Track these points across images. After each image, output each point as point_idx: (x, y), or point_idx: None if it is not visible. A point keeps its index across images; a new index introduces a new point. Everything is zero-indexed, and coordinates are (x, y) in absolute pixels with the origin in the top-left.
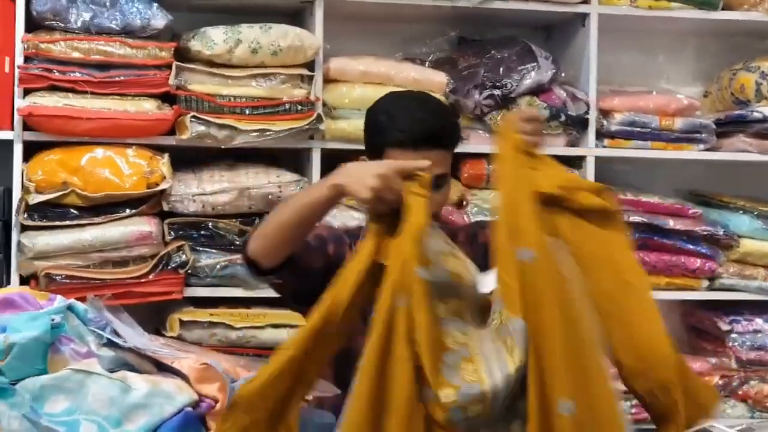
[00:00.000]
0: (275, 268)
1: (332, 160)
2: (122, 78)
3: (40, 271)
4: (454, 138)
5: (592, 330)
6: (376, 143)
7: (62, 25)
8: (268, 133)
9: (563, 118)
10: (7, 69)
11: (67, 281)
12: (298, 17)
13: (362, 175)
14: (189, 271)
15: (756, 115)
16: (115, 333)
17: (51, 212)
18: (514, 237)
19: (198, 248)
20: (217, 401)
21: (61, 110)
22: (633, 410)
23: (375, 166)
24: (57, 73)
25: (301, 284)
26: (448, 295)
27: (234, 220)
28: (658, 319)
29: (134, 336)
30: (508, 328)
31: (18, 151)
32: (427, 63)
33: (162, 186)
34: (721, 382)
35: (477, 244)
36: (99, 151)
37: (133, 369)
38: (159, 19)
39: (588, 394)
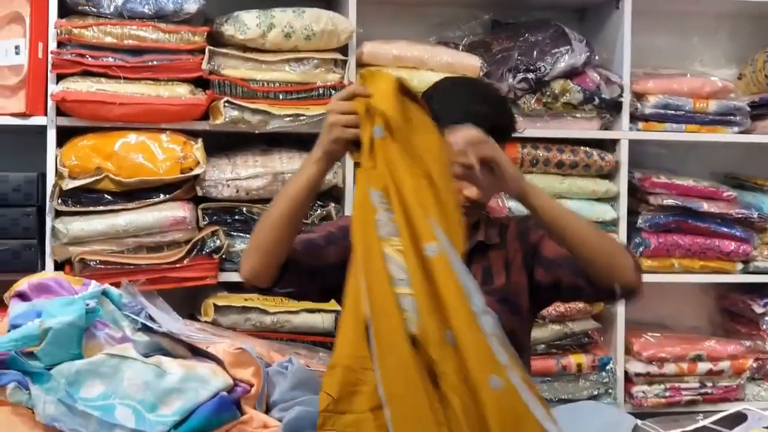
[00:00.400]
0: (276, 281)
1: None
2: (155, 63)
3: (74, 256)
4: (498, 130)
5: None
6: None
7: (95, 10)
8: (301, 117)
9: (597, 101)
10: (40, 55)
11: (102, 266)
12: (331, 1)
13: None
14: (223, 256)
15: None
16: (150, 318)
17: (85, 198)
18: (372, 116)
19: (232, 233)
20: (251, 386)
21: (94, 95)
22: (667, 393)
23: None
24: (90, 59)
25: (320, 282)
26: None
27: (268, 204)
28: None
29: (169, 321)
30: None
31: (51, 136)
32: (460, 47)
33: (196, 171)
34: (755, 365)
35: (527, 242)
36: (132, 137)
37: (167, 354)
38: (191, 4)
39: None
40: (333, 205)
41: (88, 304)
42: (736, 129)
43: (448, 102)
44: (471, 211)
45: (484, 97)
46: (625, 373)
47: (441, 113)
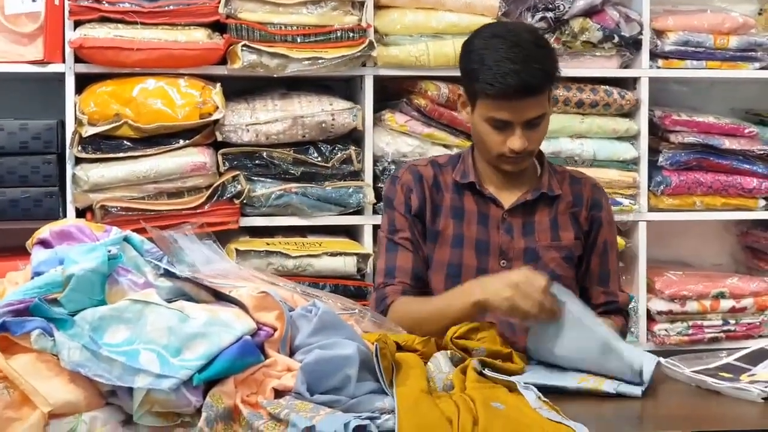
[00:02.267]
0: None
1: (385, 87)
2: (171, 7)
3: (95, 203)
4: (546, 82)
5: None
6: (469, 88)
7: None
8: (320, 61)
9: (616, 39)
10: (57, 1)
11: (123, 213)
12: None
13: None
14: (244, 201)
15: None
16: (171, 263)
17: (104, 144)
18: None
19: (253, 178)
20: (275, 329)
21: (112, 41)
22: (690, 331)
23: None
24: (106, 5)
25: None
26: None
27: (288, 149)
28: None
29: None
30: None
31: (70, 83)
32: None
33: (215, 116)
34: None
35: (595, 217)
36: (150, 82)
37: (190, 299)
38: None
39: None
40: (353, 148)
41: (110, 251)
42: (757, 65)
43: (485, 58)
44: (518, 161)
45: (519, 50)
46: (647, 311)
47: (478, 72)
